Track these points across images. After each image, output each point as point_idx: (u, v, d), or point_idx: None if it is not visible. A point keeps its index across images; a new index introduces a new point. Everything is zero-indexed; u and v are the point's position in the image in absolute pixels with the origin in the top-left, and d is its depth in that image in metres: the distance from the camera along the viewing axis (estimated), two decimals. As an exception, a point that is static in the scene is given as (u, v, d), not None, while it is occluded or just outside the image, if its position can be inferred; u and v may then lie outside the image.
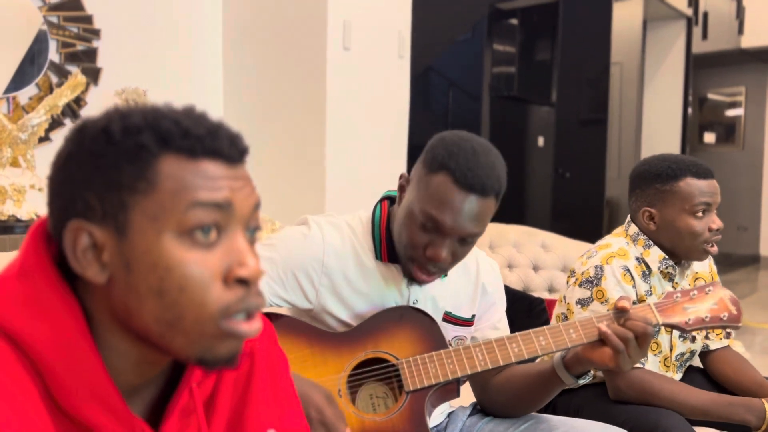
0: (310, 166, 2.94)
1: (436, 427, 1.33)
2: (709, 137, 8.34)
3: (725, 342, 1.68)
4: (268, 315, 1.22)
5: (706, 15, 5.73)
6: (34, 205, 2.48)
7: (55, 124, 2.68)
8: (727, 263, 8.06)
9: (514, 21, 5.03)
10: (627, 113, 6.27)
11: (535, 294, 2.23)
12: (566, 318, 1.58)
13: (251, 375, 0.78)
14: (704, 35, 5.78)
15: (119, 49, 2.89)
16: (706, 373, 1.70)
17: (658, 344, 1.57)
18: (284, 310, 1.30)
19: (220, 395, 0.75)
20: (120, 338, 0.63)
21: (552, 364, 1.22)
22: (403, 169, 3.21)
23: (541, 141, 5.83)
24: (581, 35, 5.28)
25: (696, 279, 1.66)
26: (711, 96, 8.44)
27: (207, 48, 3.21)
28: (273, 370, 0.82)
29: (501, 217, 1.47)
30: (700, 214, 1.52)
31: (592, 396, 1.57)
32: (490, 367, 1.15)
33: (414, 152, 5.58)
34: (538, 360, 1.32)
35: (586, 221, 5.44)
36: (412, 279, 1.19)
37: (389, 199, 1.29)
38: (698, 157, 1.61)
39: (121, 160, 0.60)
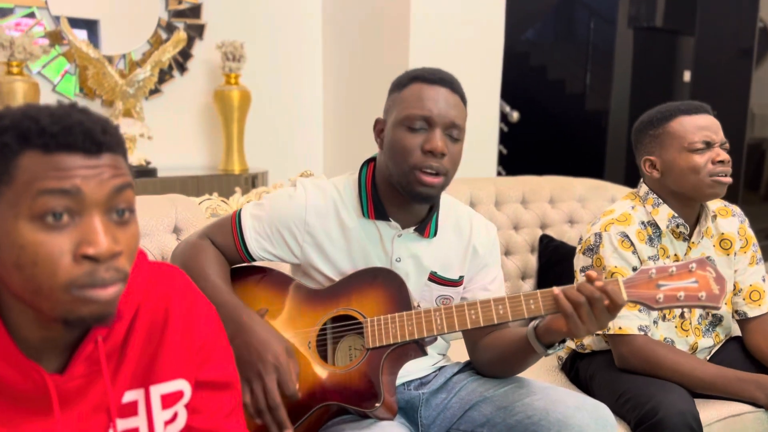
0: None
1: (420, 378, 1.39)
2: None
3: (765, 309, 1.55)
4: (259, 268, 1.34)
5: None
6: (144, 153, 2.80)
7: (164, 77, 2.97)
8: None
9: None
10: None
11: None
12: None
13: (164, 329, 0.90)
14: None
15: (221, 4, 3.08)
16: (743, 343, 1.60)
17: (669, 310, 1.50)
18: (287, 268, 1.41)
19: (130, 347, 0.88)
20: (16, 300, 0.78)
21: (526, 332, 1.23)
22: (497, 120, 3.15)
23: (687, 76, 5.35)
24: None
25: (722, 240, 1.54)
26: None
27: (305, 2, 3.31)
28: (190, 325, 0.92)
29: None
30: (700, 148, 1.44)
31: (605, 364, 1.55)
32: (446, 331, 1.19)
33: (553, 86, 5.35)
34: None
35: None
36: (418, 195, 1.23)
37: (374, 161, 1.34)
38: None
39: None
